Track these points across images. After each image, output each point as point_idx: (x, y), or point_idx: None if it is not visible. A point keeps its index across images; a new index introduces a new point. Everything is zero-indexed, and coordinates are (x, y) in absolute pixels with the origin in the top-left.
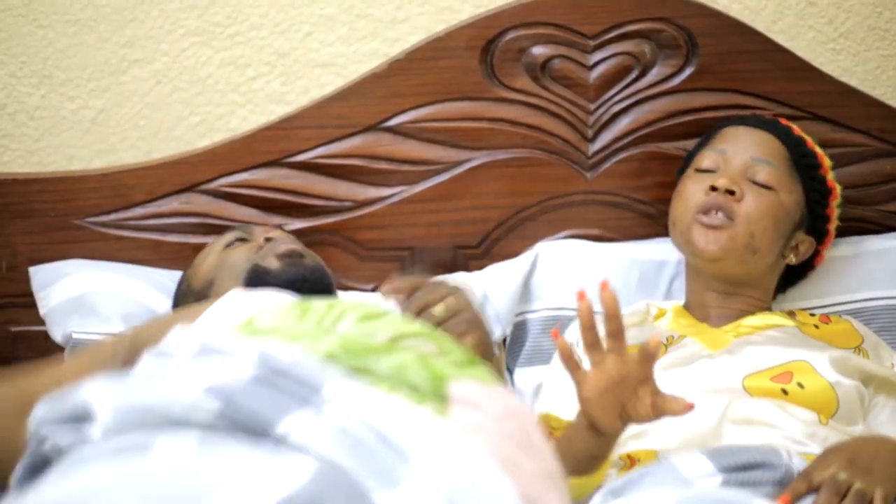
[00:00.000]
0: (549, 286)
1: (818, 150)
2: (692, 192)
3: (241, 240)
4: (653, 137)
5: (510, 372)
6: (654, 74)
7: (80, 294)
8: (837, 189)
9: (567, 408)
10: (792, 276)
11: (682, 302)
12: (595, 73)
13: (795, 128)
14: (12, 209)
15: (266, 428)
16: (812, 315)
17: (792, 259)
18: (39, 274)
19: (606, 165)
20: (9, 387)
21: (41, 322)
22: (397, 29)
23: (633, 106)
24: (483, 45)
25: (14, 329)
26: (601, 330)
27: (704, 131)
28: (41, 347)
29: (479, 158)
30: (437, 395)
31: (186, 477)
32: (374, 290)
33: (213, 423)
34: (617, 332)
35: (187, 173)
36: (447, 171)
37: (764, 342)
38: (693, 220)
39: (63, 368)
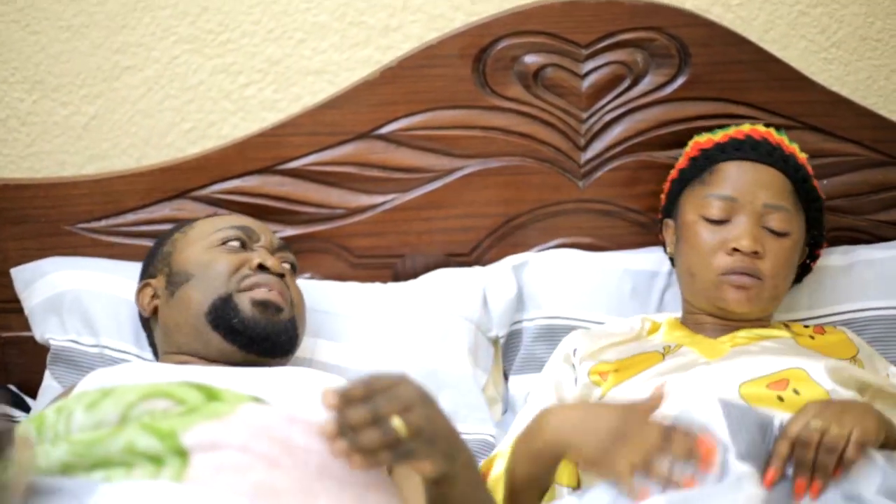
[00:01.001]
0: (543, 295)
1: (807, 164)
2: (710, 248)
3: (240, 241)
4: (645, 146)
5: (505, 378)
6: (646, 83)
7: (60, 292)
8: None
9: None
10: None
11: (675, 314)
12: (587, 82)
13: (795, 151)
14: (4, 215)
15: None
16: (806, 327)
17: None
18: (21, 274)
19: (598, 174)
20: None
21: (30, 327)
22: (390, 37)
23: (626, 115)
24: (475, 54)
25: (4, 335)
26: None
27: None
28: (31, 352)
29: (472, 167)
30: (174, 451)
31: None
32: None
33: None
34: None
35: (179, 180)
36: (439, 179)
37: (760, 352)
38: (718, 279)
39: None
